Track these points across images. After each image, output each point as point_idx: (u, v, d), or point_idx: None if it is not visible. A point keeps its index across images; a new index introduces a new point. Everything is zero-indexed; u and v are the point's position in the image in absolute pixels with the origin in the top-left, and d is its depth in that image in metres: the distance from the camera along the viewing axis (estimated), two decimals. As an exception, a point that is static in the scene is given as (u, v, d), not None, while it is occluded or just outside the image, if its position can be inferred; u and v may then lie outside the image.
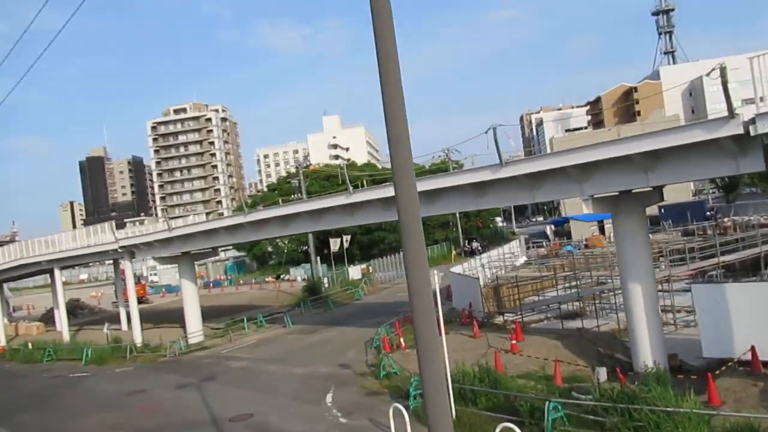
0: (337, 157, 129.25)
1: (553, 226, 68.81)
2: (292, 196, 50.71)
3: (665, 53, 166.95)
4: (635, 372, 18.06)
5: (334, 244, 49.87)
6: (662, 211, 57.73)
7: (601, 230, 60.46)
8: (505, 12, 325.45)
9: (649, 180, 16.89)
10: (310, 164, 77.56)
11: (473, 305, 29.14)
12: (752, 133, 14.05)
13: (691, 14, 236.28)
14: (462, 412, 15.99)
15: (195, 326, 35.35)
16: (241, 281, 69.21)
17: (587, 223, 59.23)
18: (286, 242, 66.01)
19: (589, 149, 17.57)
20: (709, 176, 17.66)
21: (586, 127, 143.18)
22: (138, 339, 36.20)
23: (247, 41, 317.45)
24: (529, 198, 20.05)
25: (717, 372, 15.57)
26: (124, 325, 41.88)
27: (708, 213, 59.47)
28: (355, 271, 52.08)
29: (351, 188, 24.39)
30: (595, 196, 18.32)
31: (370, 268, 53.26)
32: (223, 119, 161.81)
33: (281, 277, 62.94)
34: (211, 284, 70.52)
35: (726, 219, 54.52)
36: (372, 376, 22.00)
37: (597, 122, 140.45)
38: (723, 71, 14.22)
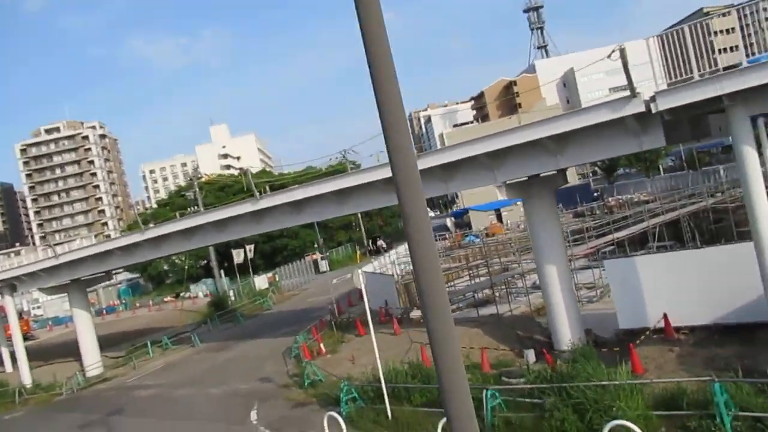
0: (228, 167, 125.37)
1: (453, 218, 70.30)
2: (188, 209, 48.29)
3: (538, 48, 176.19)
4: (557, 350, 18.43)
5: (238, 255, 47.98)
6: (553, 195, 60.38)
7: (499, 218, 62.45)
8: (384, 15, 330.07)
9: (559, 162, 17.26)
10: (201, 176, 74.38)
11: (389, 303, 28.88)
12: (653, 111, 14.64)
13: (559, 11, 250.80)
14: (398, 411, 15.59)
15: (93, 357, 32.62)
16: (138, 304, 65.13)
17: (485, 212, 60.93)
18: (184, 258, 62.92)
19: (500, 136, 17.72)
20: (614, 155, 18.37)
21: (472, 122, 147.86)
22: (27, 380, 32.93)
23: (119, 54, 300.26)
24: (443, 189, 19.99)
25: (638, 342, 16.14)
26: (8, 367, 37.93)
27: (595, 194, 62.98)
28: (261, 281, 50.45)
29: (258, 194, 23.31)
30: (507, 182, 18.52)
31: (276, 276, 51.79)
32: (102, 136, 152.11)
33: (181, 295, 59.87)
34: (104, 311, 65.84)
35: (611, 199, 57.95)
36: (296, 386, 21.12)
37: (482, 116, 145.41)
38: (623, 52, 14.71)
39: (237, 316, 39.64)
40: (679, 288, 17.03)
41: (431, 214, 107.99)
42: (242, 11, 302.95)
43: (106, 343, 36.19)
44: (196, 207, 46.39)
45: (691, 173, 59.25)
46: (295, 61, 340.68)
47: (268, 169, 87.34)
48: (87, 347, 32.75)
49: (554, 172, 18.73)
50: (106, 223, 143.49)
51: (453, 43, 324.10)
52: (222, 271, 49.52)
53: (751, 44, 18.35)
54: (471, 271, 31.92)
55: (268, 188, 29.32)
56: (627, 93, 15.25)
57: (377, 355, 15.69)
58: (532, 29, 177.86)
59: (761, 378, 12.27)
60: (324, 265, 58.10)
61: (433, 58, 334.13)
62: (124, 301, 71.11)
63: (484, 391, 13.96)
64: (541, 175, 18.70)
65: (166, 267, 66.87)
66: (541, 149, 17.28)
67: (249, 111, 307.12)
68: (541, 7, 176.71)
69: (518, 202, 61.13)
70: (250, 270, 51.46)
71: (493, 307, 26.26)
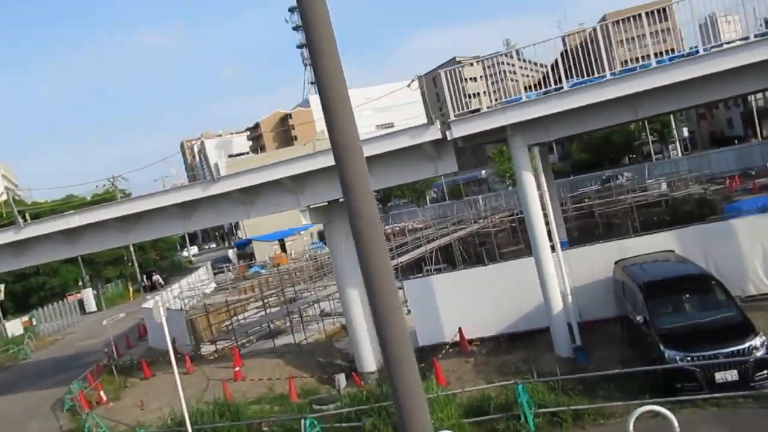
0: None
1: (236, 249, 68.39)
2: None
3: (312, 83, 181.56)
4: (361, 372, 18.67)
5: (-17, 298, 40.80)
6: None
7: (283, 248, 62.23)
8: (148, 38, 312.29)
9: (363, 186, 17.66)
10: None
11: (178, 340, 26.78)
12: (449, 138, 15.81)
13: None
14: (206, 455, 14.37)
15: None
16: None
17: (269, 242, 60.30)
18: None
19: (304, 159, 17.67)
20: (414, 179, 19.39)
21: (248, 152, 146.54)
22: None
23: None
24: (244, 214, 19.26)
25: (440, 356, 17.03)
26: None
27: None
28: (14, 326, 43.38)
29: (22, 221, 20.08)
30: (311, 207, 18.48)
31: (33, 320, 45.02)
32: None
33: None
34: None
35: (387, 227, 61.39)
36: (75, 443, 18.39)
37: (259, 147, 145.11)
38: (421, 81, 15.70)
39: (-17, 369, 33.54)
40: (470, 303, 18.40)
41: (212, 245, 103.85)
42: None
43: None
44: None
45: (455, 203, 65.49)
46: (51, 78, 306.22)
47: (18, 198, 76.42)
48: None
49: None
50: None
51: (228, 72, 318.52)
52: (-37, 317, 41.63)
53: (497, 90, 20.84)
54: (265, 301, 31.12)
55: (28, 217, 25.57)
56: (391, 129, 16.37)
57: (181, 395, 14.29)
58: (305, 65, 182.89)
59: (549, 377, 13.70)
60: (92, 305, 52.21)
61: (209, 86, 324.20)
62: None
63: (302, 421, 13.49)
64: (340, 200, 19.02)
65: None
66: (344, 174, 17.56)
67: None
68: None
69: (302, 231, 61.87)
70: (0, 314, 44.06)
71: (288, 336, 25.88)
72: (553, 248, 16.03)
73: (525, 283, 16.99)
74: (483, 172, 72.26)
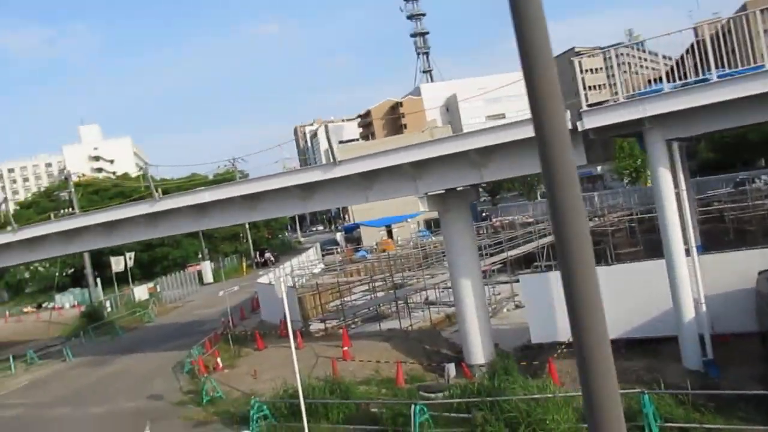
0: (100, 170, 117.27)
1: (344, 233, 69.93)
2: (61, 212, 43.98)
3: (424, 72, 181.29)
4: (469, 364, 18.39)
5: (117, 264, 44.31)
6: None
7: (389, 234, 62.83)
8: (268, 27, 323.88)
9: (483, 176, 17.32)
10: (71, 177, 68.34)
11: (290, 315, 27.73)
12: (579, 129, 15.05)
13: (443, 40, 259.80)
14: (315, 428, 14.67)
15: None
16: (-10, 315, 58.15)
17: (376, 228, 61.06)
18: (48, 266, 57.32)
19: (425, 146, 17.54)
20: (535, 171, 18.68)
21: (358, 139, 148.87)
22: None
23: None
24: (362, 198, 19.43)
25: (555, 356, 16.41)
26: None
27: (483, 215, 65.18)
28: (141, 292, 46.91)
29: (157, 194, 21.48)
30: (429, 194, 18.34)
31: (157, 287, 48.44)
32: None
33: (44, 305, 54.25)
34: (-52, 322, 58.15)
35: (495, 219, 60.23)
36: (193, 404, 19.48)
37: (369, 134, 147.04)
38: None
39: (115, 329, 36.44)
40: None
41: (319, 227, 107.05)
42: (117, 8, 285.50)
43: (-47, 358, 31.77)
44: (71, 209, 42.40)
45: (567, 199, 62.97)
46: (176, 64, 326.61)
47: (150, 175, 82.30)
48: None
49: (469, 187, 18.88)
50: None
51: (339, 60, 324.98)
52: (100, 280, 45.46)
53: (614, 84, 19.60)
54: (372, 285, 31.55)
55: (160, 191, 27.30)
56: (506, 120, 15.69)
57: (296, 369, 14.68)
58: (418, 54, 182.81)
59: (678, 390, 12.79)
60: (209, 277, 55.40)
61: (321, 74, 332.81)
62: (-27, 312, 63.25)
63: (412, 407, 13.47)
64: (458, 189, 18.73)
65: (27, 275, 60.55)
66: (464, 162, 17.26)
67: (124, 113, 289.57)
68: (428, 33, 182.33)
69: (409, 219, 62.06)
70: (130, 279, 47.76)
71: (393, 321, 26.05)
72: (687, 252, 14.92)
73: (650, 287, 15.99)
74: (599, 168, 69.03)
